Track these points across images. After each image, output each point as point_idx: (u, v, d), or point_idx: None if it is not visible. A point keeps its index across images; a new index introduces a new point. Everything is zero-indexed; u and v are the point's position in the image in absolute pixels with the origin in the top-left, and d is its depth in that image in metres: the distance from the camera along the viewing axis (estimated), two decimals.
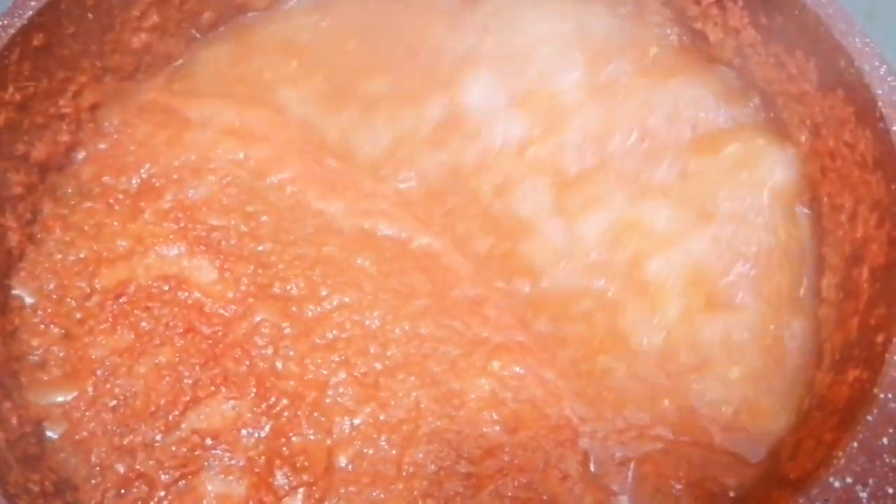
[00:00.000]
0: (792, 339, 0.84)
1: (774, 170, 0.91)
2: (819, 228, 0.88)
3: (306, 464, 0.76)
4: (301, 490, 0.75)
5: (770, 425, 0.79)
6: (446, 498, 0.75)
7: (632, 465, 0.77)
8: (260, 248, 0.89)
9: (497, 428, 0.78)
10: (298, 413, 0.79)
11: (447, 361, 0.82)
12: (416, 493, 0.75)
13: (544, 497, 0.75)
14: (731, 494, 0.75)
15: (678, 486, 0.76)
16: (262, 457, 0.77)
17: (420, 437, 0.77)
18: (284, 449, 0.77)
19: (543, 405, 0.79)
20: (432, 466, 0.76)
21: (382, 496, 0.75)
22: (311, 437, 0.77)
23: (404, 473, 0.76)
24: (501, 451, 0.77)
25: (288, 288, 0.86)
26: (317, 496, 0.75)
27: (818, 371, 0.80)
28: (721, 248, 0.88)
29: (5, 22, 0.86)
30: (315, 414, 0.79)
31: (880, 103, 0.79)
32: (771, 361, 0.83)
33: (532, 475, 0.76)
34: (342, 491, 0.75)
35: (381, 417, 0.78)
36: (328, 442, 0.77)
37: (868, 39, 0.82)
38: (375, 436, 0.77)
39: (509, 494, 0.75)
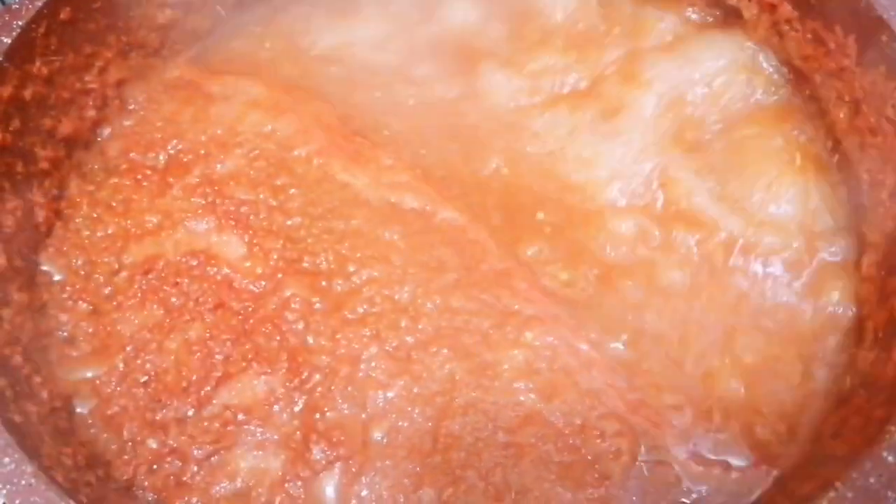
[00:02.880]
0: (831, 317, 0.83)
1: None
2: (859, 205, 0.86)
3: (342, 438, 0.76)
4: (338, 464, 0.75)
5: (808, 407, 0.78)
6: (487, 468, 0.74)
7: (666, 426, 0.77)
8: (289, 222, 0.88)
9: (532, 396, 0.78)
10: (332, 388, 0.78)
11: (479, 333, 0.81)
12: (454, 464, 0.74)
13: (589, 457, 0.74)
14: (774, 473, 0.74)
15: (712, 457, 0.75)
16: (298, 432, 0.76)
17: (455, 408, 0.77)
18: (319, 424, 0.76)
19: (577, 373, 0.79)
20: (469, 438, 0.75)
21: (419, 469, 0.74)
22: (346, 412, 0.77)
23: (441, 446, 0.75)
24: (539, 418, 0.76)
25: (317, 262, 0.85)
26: (353, 470, 0.74)
27: (860, 349, 0.79)
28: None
29: None
30: (349, 388, 0.78)
31: None
32: (809, 341, 0.82)
33: (573, 438, 0.75)
34: (378, 465, 0.74)
35: (415, 390, 0.78)
36: (363, 416, 0.77)
37: None
38: (409, 409, 0.77)
39: (555, 460, 0.74)
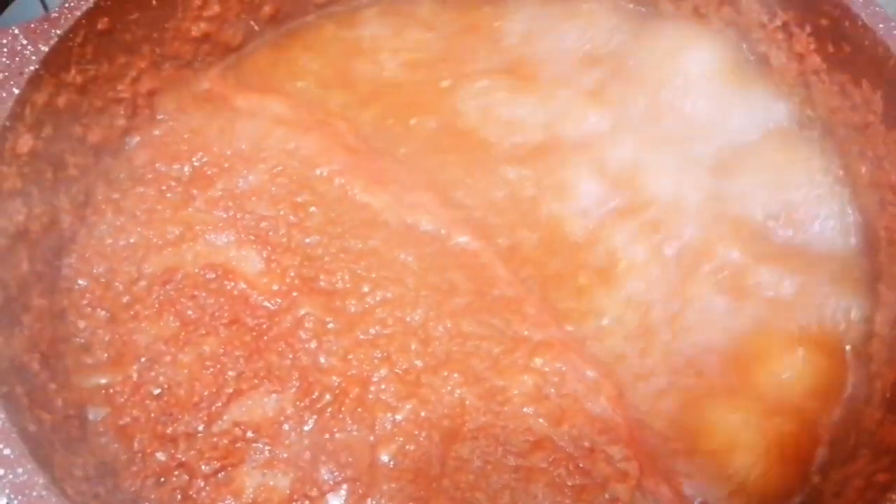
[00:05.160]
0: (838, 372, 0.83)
1: None
2: (875, 262, 0.86)
3: (350, 459, 0.77)
4: (345, 486, 0.76)
5: (812, 462, 0.79)
6: (495, 490, 0.75)
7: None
8: (307, 239, 0.89)
9: (541, 421, 0.79)
10: (342, 409, 0.79)
11: (490, 358, 0.82)
12: (462, 487, 0.75)
13: (598, 480, 0.76)
14: None
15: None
16: (308, 451, 0.77)
17: (465, 433, 0.78)
18: (328, 444, 0.77)
19: (585, 399, 0.80)
20: (478, 462, 0.77)
21: (424, 493, 0.75)
22: (355, 433, 0.78)
23: (449, 469, 0.76)
24: (549, 443, 0.77)
25: (333, 281, 0.86)
26: (360, 492, 0.75)
27: (867, 407, 0.79)
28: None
29: (71, 4, 0.86)
30: (358, 410, 0.79)
31: None
32: (813, 394, 0.82)
33: (582, 462, 0.77)
34: (385, 487, 0.75)
35: (423, 414, 0.79)
36: (371, 438, 0.78)
37: None
38: (417, 432, 0.78)
39: (567, 483, 0.76)
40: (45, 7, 0.98)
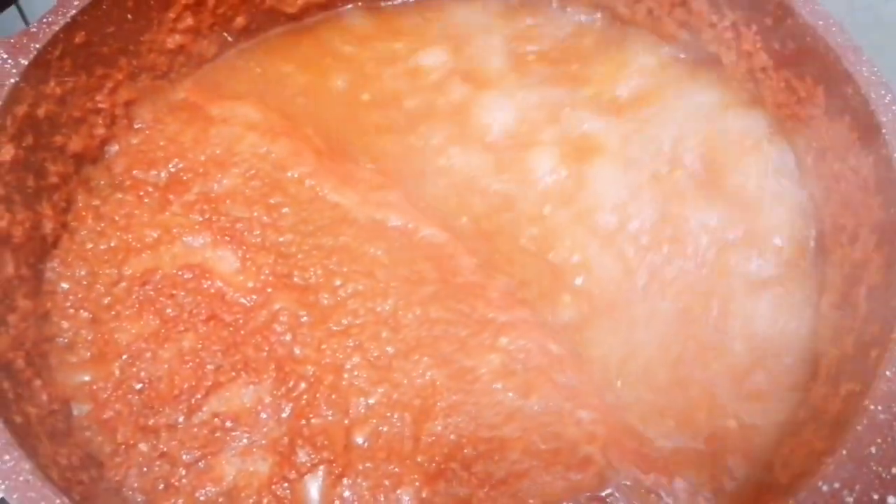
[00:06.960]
0: (788, 352, 0.87)
1: None
2: (822, 247, 0.91)
3: (326, 443, 0.80)
4: (322, 467, 0.79)
5: (764, 435, 0.82)
6: (469, 461, 0.79)
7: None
8: (281, 238, 0.93)
9: (511, 395, 0.82)
10: (317, 396, 0.82)
11: (457, 341, 0.86)
12: (437, 460, 0.79)
13: (570, 444, 0.80)
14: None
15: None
16: (285, 437, 0.80)
17: (437, 411, 0.81)
18: (305, 429, 0.81)
19: (550, 371, 0.84)
20: (453, 436, 0.80)
21: (397, 470, 0.78)
22: (330, 418, 0.81)
23: (423, 445, 0.79)
24: (520, 414, 0.81)
25: (306, 277, 0.90)
26: (337, 472, 0.79)
27: (814, 384, 0.83)
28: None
29: (50, 19, 0.90)
30: (332, 396, 0.82)
31: (884, 130, 0.82)
32: (765, 372, 0.86)
33: (553, 427, 0.80)
34: (360, 467, 0.79)
35: (394, 397, 0.82)
36: (346, 422, 0.81)
37: (875, 68, 0.86)
38: (389, 414, 0.81)
39: (542, 447, 0.79)
40: (26, 22, 1.01)
